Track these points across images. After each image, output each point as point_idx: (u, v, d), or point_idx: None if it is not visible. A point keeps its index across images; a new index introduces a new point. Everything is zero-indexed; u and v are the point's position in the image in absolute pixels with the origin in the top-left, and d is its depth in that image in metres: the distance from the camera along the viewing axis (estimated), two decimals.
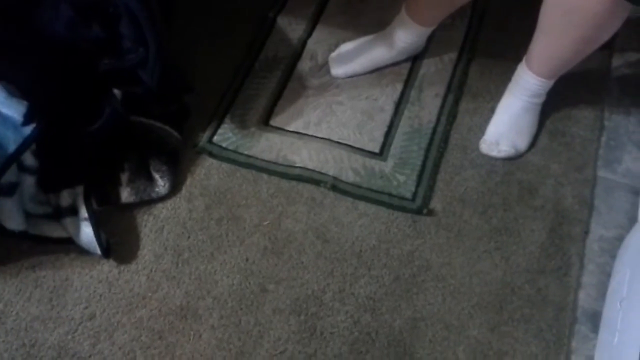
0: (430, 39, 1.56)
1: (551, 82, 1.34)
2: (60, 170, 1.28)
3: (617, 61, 1.52)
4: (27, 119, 1.19)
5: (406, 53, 1.53)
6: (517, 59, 1.35)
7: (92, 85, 1.26)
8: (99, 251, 1.24)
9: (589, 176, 1.36)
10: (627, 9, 1.12)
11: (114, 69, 1.25)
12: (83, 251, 1.27)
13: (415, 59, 1.56)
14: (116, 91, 1.31)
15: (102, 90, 1.28)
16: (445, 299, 1.23)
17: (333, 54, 1.56)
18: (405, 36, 1.48)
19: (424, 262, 1.27)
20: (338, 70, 1.54)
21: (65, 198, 1.28)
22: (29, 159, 1.24)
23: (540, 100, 1.38)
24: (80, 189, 1.28)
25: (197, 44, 1.59)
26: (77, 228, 1.25)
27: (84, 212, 1.26)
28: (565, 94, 1.44)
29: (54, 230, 1.28)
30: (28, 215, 1.26)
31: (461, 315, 1.21)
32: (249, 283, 1.25)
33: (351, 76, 1.54)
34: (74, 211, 1.27)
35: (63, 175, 1.28)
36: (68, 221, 1.27)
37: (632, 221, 1.27)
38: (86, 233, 1.25)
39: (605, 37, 1.19)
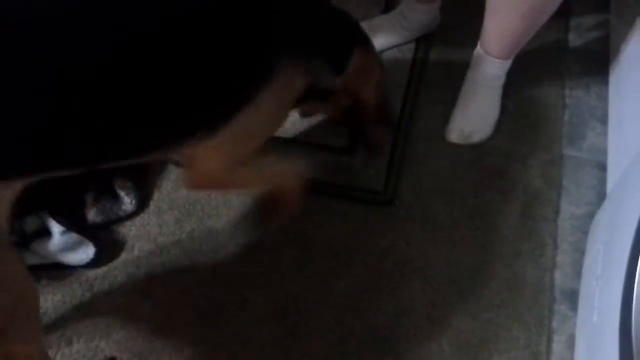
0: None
1: (508, 63, 1.34)
2: (22, 197, 1.24)
3: (573, 37, 1.54)
4: None
5: (421, 31, 1.55)
6: (474, 44, 1.35)
7: None
8: (92, 250, 1.23)
9: (555, 155, 1.37)
10: None
11: None
12: (54, 277, 1.24)
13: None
14: None
15: None
16: (425, 291, 1.23)
17: None
18: (415, 16, 1.50)
19: (401, 256, 1.27)
20: None
21: (29, 224, 1.24)
22: None
23: (500, 82, 1.38)
24: (44, 213, 1.25)
25: None
26: (57, 245, 1.23)
27: (58, 227, 1.24)
28: (525, 75, 1.45)
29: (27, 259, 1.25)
30: None
31: (442, 306, 1.21)
32: (228, 294, 1.23)
33: None
34: (43, 233, 1.25)
35: (25, 202, 1.24)
36: (36, 245, 1.24)
37: (601, 197, 1.29)
38: (69, 242, 1.23)
39: (553, 7, 1.19)
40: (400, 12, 1.52)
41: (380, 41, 1.53)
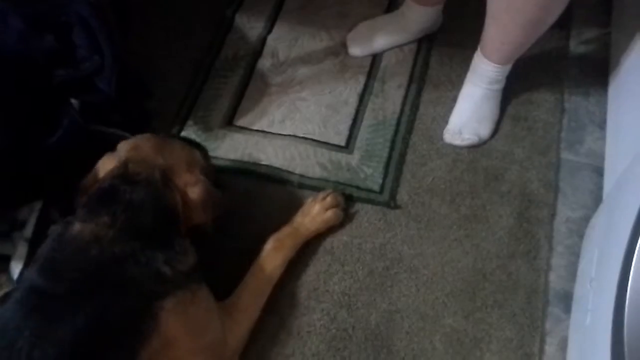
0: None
1: (508, 67, 1.35)
2: (19, 186, 1.24)
3: (574, 42, 1.54)
4: None
5: (422, 32, 1.55)
6: (476, 47, 1.35)
7: (48, 96, 1.23)
8: (15, 276, 1.20)
9: (553, 159, 1.37)
10: None
11: (70, 79, 1.22)
12: None
13: None
14: (73, 101, 1.28)
15: (59, 101, 1.24)
16: (419, 290, 1.24)
17: (350, 34, 1.57)
18: (416, 18, 1.51)
19: (396, 255, 1.27)
20: (355, 50, 1.55)
21: (22, 213, 1.24)
22: None
23: (499, 86, 1.39)
24: (38, 205, 1.24)
25: (154, 46, 1.56)
26: (18, 245, 1.23)
27: (29, 232, 1.22)
28: (525, 79, 1.45)
29: (7, 248, 1.24)
30: None
31: (435, 305, 1.22)
32: (222, 288, 1.23)
33: (368, 55, 1.55)
34: (23, 227, 1.24)
35: (21, 191, 1.24)
36: (16, 235, 1.24)
37: (597, 201, 1.30)
38: (21, 254, 1.21)
39: (552, 18, 1.19)
40: (402, 13, 1.52)
41: (381, 41, 1.53)
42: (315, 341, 1.19)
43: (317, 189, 1.35)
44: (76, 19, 1.15)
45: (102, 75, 1.23)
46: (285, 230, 1.25)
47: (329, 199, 1.30)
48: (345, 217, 1.31)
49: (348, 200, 1.34)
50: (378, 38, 1.53)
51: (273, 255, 1.21)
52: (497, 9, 1.21)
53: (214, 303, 1.09)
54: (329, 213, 1.29)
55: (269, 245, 1.22)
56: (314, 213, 1.28)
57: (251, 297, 1.17)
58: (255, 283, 1.18)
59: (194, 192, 1.09)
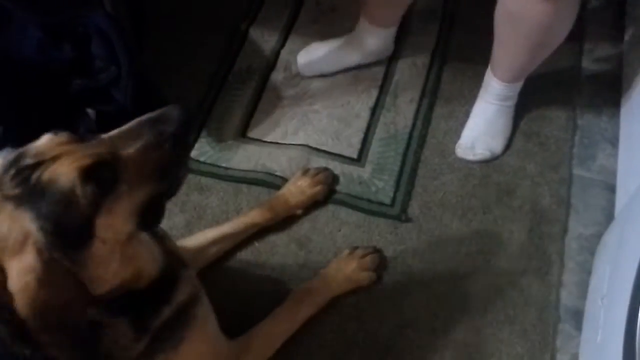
0: (402, 43, 1.58)
1: (519, 85, 1.36)
2: None
3: (587, 60, 1.55)
4: (1, 144, 1.17)
5: (375, 56, 1.55)
6: (487, 63, 1.36)
7: (65, 105, 1.24)
8: None
9: (565, 175, 1.37)
10: (573, 13, 1.14)
11: (87, 89, 1.24)
12: None
13: (389, 64, 1.57)
14: (90, 110, 1.30)
15: (76, 111, 1.26)
16: (430, 304, 1.23)
17: (301, 52, 1.56)
18: (369, 40, 1.50)
19: (407, 268, 1.27)
20: (304, 69, 1.54)
21: None
22: None
23: (511, 102, 1.39)
24: None
25: (169, 58, 1.58)
26: None
27: None
28: (537, 95, 1.46)
29: None
30: None
31: (446, 320, 1.22)
32: (233, 299, 1.24)
33: (316, 75, 1.55)
34: None
35: None
36: None
37: (609, 218, 1.29)
38: None
39: (558, 40, 1.22)
40: (356, 34, 1.52)
41: (331, 62, 1.54)
42: (326, 353, 1.19)
43: (327, 201, 1.35)
44: (95, 30, 1.17)
45: (118, 86, 1.25)
46: (315, 285, 1.20)
47: (368, 260, 1.24)
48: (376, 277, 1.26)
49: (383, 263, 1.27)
50: (327, 58, 1.53)
51: (295, 308, 1.17)
52: (503, 34, 1.23)
53: None
54: (364, 274, 1.23)
55: (294, 297, 1.17)
56: (350, 271, 1.22)
57: (262, 347, 1.12)
58: (270, 332, 1.14)
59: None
